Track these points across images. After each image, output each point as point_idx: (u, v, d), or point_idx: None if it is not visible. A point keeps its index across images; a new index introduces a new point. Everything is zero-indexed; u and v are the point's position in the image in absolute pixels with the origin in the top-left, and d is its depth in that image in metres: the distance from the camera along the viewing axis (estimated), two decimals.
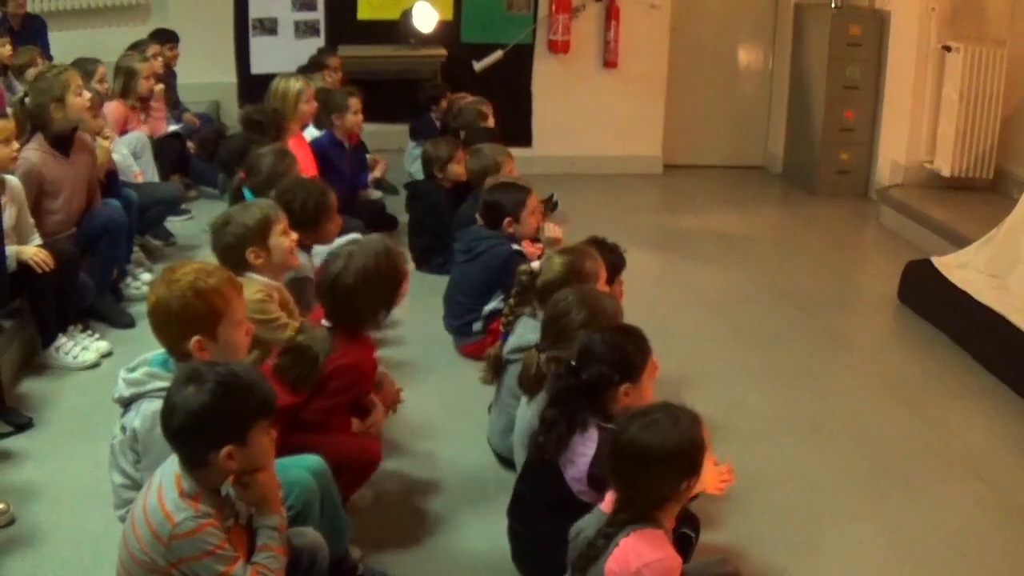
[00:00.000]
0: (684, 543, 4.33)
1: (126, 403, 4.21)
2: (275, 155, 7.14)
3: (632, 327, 4.67)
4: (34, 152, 7.04)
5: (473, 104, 10.09)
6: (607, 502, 3.99)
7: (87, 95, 7.36)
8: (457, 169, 8.97)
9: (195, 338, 4.13)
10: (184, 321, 4.14)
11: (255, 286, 5.33)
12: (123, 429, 4.20)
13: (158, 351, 4.30)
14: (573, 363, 4.58)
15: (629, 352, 4.50)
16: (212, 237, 5.51)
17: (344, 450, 4.84)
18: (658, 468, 3.75)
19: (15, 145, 6.71)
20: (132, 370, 4.24)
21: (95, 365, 6.83)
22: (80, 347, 6.86)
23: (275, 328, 5.30)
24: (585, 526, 4.03)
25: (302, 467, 4.38)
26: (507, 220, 7.29)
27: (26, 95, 7.28)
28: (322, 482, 4.43)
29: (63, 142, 7.22)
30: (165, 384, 3.97)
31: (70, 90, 7.17)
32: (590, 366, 4.49)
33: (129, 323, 7.36)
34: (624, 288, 6.05)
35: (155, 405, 3.93)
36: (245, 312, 4.37)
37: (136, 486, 4.09)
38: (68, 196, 7.22)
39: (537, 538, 4.59)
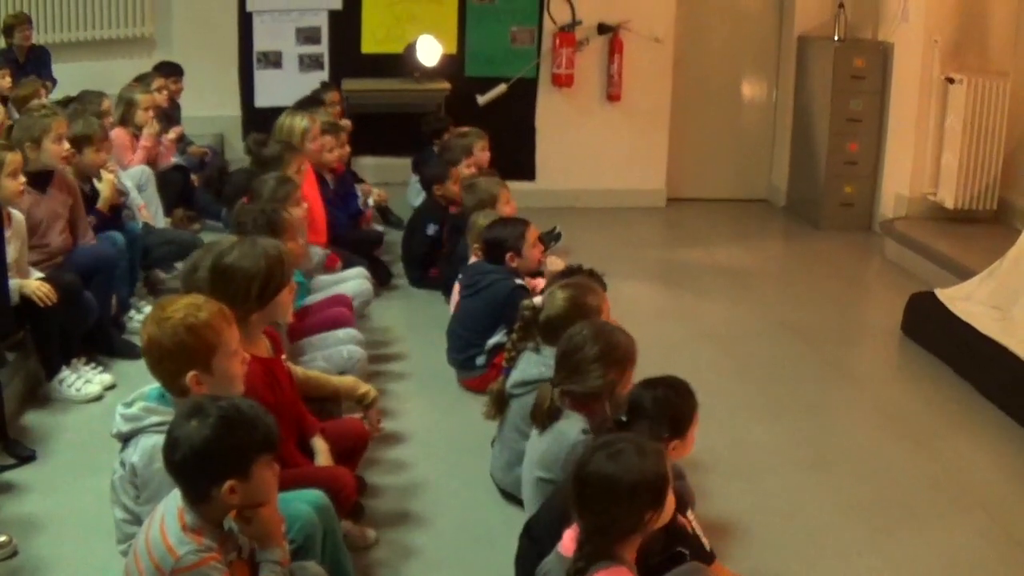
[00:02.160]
0: (678, 562, 4.34)
1: (124, 439, 4.21)
2: (276, 181, 7.18)
3: (681, 382, 4.70)
4: None
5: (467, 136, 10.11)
6: (565, 544, 4.03)
7: (66, 145, 7.34)
8: (455, 189, 9.08)
9: (191, 373, 4.14)
10: (178, 358, 4.14)
11: None
12: (123, 464, 4.20)
13: (155, 385, 4.30)
14: (624, 419, 4.59)
15: (680, 408, 4.53)
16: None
17: (311, 484, 4.80)
18: (623, 499, 3.79)
19: (22, 179, 6.72)
20: (129, 405, 4.24)
21: (98, 398, 6.83)
22: (83, 380, 6.86)
23: None
24: (549, 568, 4.07)
25: (304, 501, 4.37)
26: (509, 255, 7.30)
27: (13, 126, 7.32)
28: (324, 517, 4.41)
29: (39, 179, 7.19)
30: (163, 419, 3.98)
31: (49, 136, 7.18)
32: (640, 422, 4.51)
33: (138, 354, 7.32)
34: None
35: (153, 440, 3.95)
36: (239, 342, 4.36)
37: (137, 521, 4.09)
38: (42, 232, 7.17)
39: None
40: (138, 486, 4.13)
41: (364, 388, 5.68)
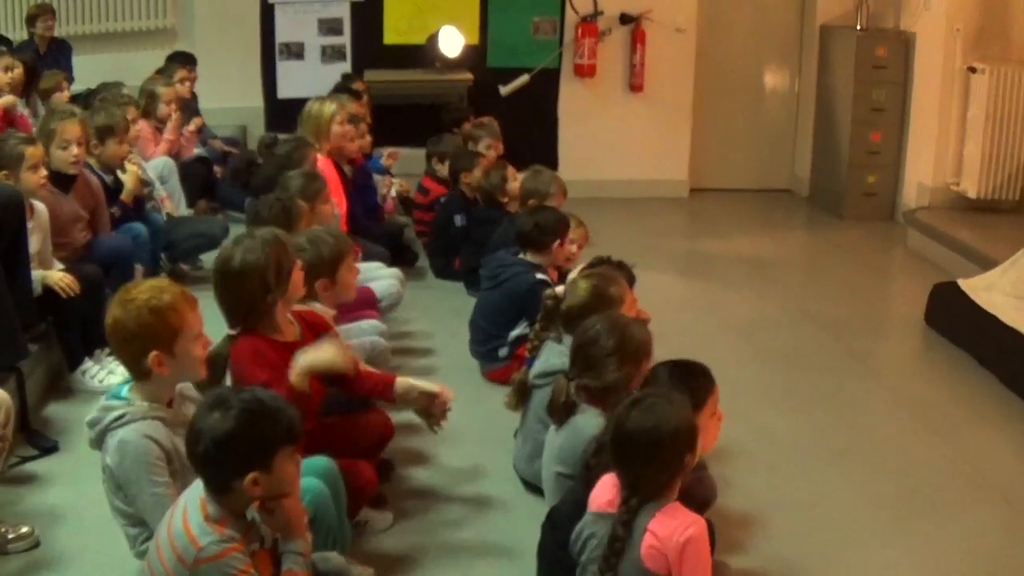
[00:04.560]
0: None
1: (98, 446, 4.26)
2: (304, 178, 7.19)
3: (698, 364, 4.69)
4: None
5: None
6: (597, 502, 4.14)
7: (43, 172, 7.06)
8: (516, 186, 9.11)
9: (153, 353, 4.18)
10: (141, 339, 4.20)
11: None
12: (103, 470, 4.26)
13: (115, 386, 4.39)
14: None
15: (692, 385, 4.52)
16: None
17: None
18: (666, 447, 3.94)
19: (43, 172, 6.75)
20: (92, 413, 4.30)
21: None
22: (106, 371, 6.87)
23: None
24: (585, 527, 4.14)
25: (311, 472, 4.40)
26: (557, 243, 7.30)
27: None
28: (330, 482, 4.50)
29: (62, 180, 7.24)
30: (120, 412, 4.12)
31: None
32: None
33: None
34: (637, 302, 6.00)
35: (117, 437, 4.08)
36: (202, 326, 4.40)
37: (137, 522, 4.16)
38: (64, 231, 7.16)
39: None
40: (121, 486, 4.19)
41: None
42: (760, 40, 12.98)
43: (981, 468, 6.24)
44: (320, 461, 4.55)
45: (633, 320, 5.26)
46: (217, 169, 10.62)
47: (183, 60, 11.39)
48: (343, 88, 10.75)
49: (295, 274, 5.05)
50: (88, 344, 6.90)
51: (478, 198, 9.20)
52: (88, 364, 6.86)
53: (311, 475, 4.39)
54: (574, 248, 7.52)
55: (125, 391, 4.29)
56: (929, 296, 8.50)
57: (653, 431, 3.93)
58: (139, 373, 4.27)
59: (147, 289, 4.29)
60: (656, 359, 4.91)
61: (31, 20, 11.34)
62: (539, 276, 7.18)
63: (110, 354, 7.04)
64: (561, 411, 5.12)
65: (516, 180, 8.97)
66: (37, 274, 6.43)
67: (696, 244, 11.21)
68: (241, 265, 4.88)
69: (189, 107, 11.03)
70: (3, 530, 5.01)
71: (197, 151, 10.50)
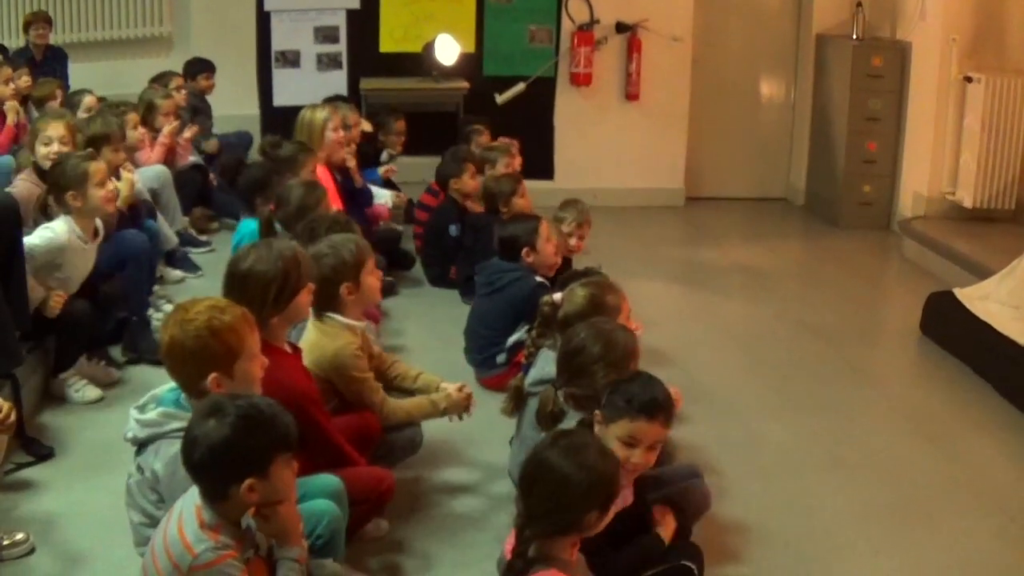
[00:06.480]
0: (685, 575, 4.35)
1: (140, 443, 4.21)
2: (305, 187, 7.21)
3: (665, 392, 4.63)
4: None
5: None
6: (507, 548, 4.01)
7: (111, 186, 7.03)
8: (471, 184, 9.23)
9: (212, 376, 4.13)
10: (201, 360, 4.13)
11: (346, 337, 5.48)
12: (139, 469, 4.20)
13: (167, 387, 4.30)
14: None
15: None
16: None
17: (358, 481, 4.84)
18: (566, 498, 3.77)
19: (110, 185, 6.82)
20: (143, 410, 4.23)
21: (98, 400, 6.79)
22: (84, 382, 6.82)
23: (363, 388, 5.48)
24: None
25: (321, 493, 4.41)
26: (525, 250, 7.30)
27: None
28: (339, 502, 4.49)
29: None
30: (182, 424, 3.96)
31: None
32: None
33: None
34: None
35: (175, 447, 3.92)
36: (259, 346, 4.36)
37: (156, 524, 4.09)
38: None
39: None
40: (161, 492, 4.13)
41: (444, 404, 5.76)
42: (756, 49, 12.98)
43: (976, 477, 6.24)
44: (330, 480, 4.55)
45: (617, 325, 5.24)
46: (212, 177, 10.61)
47: (200, 67, 11.49)
48: (337, 96, 10.78)
49: (302, 295, 5.03)
50: (76, 352, 6.85)
51: (467, 206, 9.18)
52: (71, 374, 6.81)
53: (323, 496, 4.40)
54: (552, 250, 7.51)
55: (183, 399, 4.24)
56: (925, 305, 8.49)
57: (565, 476, 3.78)
58: (195, 393, 4.18)
59: (206, 309, 4.20)
60: (653, 369, 4.88)
61: (26, 28, 11.37)
62: (538, 279, 7.21)
63: (98, 361, 7.03)
64: (549, 420, 5.10)
65: (525, 198, 8.97)
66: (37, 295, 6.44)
67: (692, 253, 11.19)
68: (247, 270, 4.88)
69: (199, 110, 11.12)
70: None
71: (192, 159, 10.49)
